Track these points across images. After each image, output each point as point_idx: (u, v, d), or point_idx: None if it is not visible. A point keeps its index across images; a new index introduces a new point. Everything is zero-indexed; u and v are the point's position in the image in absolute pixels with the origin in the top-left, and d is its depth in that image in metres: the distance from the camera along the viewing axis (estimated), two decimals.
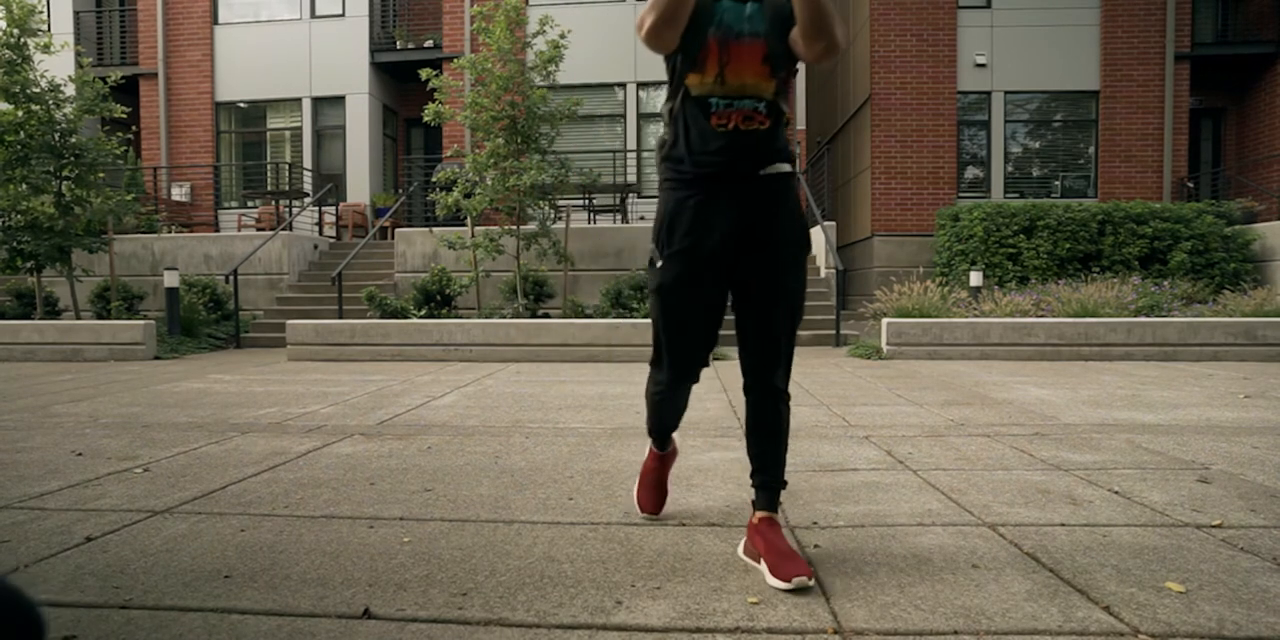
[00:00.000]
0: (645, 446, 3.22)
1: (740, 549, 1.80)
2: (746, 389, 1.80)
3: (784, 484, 1.79)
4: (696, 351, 1.82)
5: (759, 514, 1.75)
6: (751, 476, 1.80)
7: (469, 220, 8.75)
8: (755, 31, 1.62)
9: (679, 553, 1.82)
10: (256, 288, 10.42)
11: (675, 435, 2.15)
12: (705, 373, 6.16)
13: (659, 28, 1.53)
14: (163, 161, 13.40)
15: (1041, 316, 7.33)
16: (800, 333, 8.96)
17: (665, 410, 1.96)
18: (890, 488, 2.40)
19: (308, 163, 13.40)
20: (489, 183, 8.15)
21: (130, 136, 9.26)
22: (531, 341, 7.05)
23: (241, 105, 13.75)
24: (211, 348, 8.61)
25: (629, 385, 5.04)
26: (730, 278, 1.73)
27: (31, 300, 9.21)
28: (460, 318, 7.98)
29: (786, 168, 1.69)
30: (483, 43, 8.25)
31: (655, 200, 12.27)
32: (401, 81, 13.68)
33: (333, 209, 12.85)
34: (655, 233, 1.76)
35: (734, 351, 7.73)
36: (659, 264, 1.74)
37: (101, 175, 8.83)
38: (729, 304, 1.80)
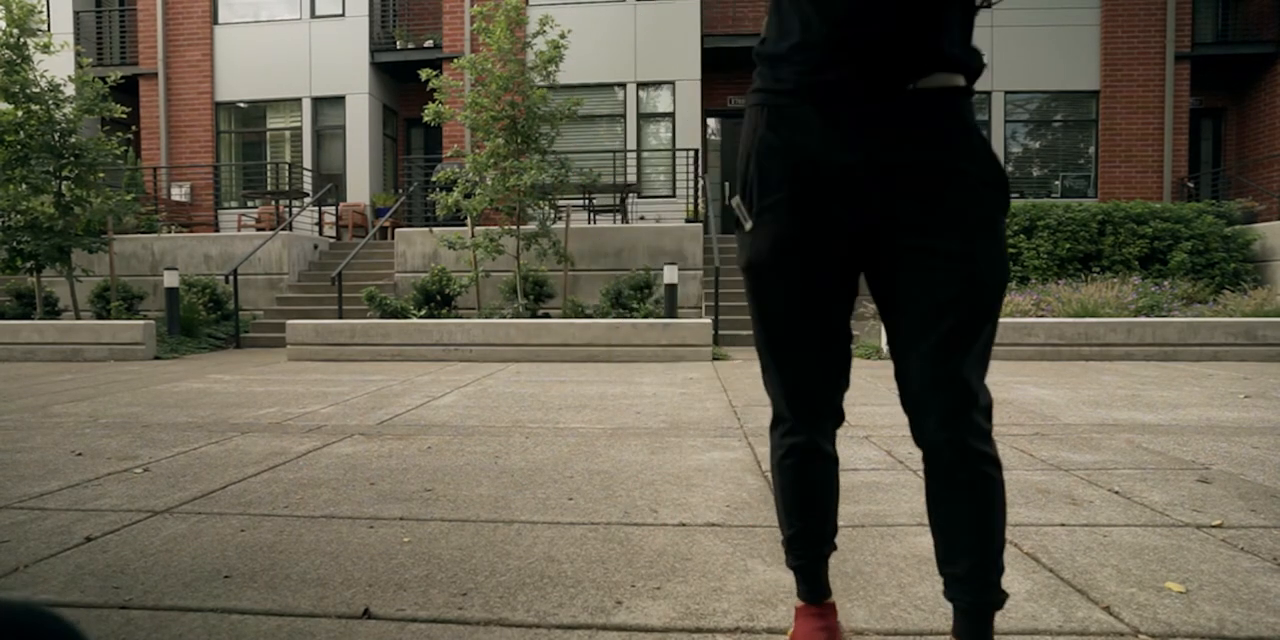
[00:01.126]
0: (645, 446, 3.19)
1: None
2: (917, 439, 1.12)
3: (998, 599, 1.12)
4: (822, 370, 1.17)
5: None
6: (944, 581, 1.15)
7: (469, 220, 8.75)
8: None
9: (679, 553, 1.82)
10: (256, 288, 10.41)
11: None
12: (705, 372, 6.17)
13: None
14: (163, 161, 13.40)
15: (1041, 316, 7.33)
16: None
17: (800, 489, 1.24)
18: (890, 488, 2.40)
19: (308, 163, 13.40)
20: (489, 183, 8.15)
21: (130, 136, 9.25)
22: (531, 341, 7.05)
23: (241, 105, 13.75)
24: (211, 348, 8.61)
25: (629, 385, 5.04)
26: (867, 252, 1.10)
27: (31, 300, 9.21)
28: (460, 318, 7.97)
29: (957, 80, 1.05)
30: (483, 43, 8.25)
31: (655, 200, 12.23)
32: (401, 81, 13.67)
33: (333, 209, 12.85)
34: (739, 180, 1.16)
35: (734, 351, 7.77)
36: (748, 225, 1.15)
37: (101, 175, 8.83)
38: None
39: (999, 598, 1.11)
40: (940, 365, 1.06)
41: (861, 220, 1.07)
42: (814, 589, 1.28)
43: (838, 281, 1.13)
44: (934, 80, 1.04)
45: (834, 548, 1.30)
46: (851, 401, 4.28)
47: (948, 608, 1.48)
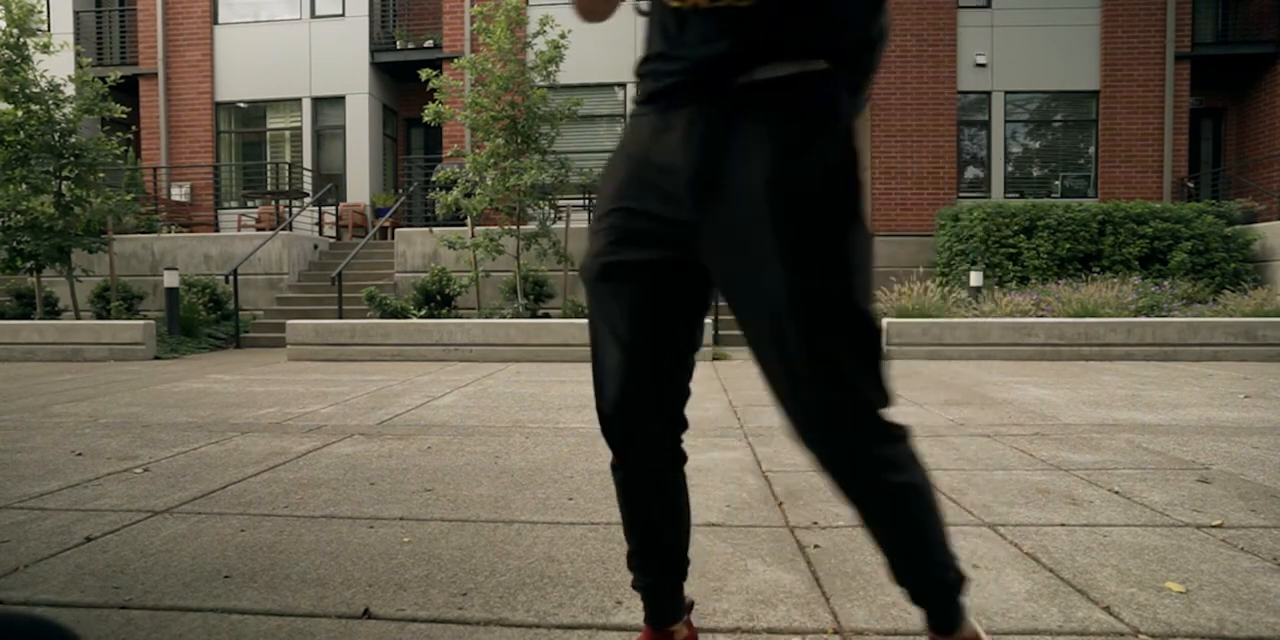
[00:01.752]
0: None
1: None
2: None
3: (952, 586, 1.06)
4: (638, 392, 1.08)
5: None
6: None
7: (469, 220, 8.75)
8: None
9: None
10: (256, 288, 10.41)
11: (689, 589, 1.26)
12: (705, 372, 6.16)
13: None
14: (163, 161, 13.39)
15: (1041, 316, 7.33)
16: None
17: (635, 508, 1.17)
18: None
19: (308, 163, 13.40)
20: (489, 183, 8.15)
21: (130, 136, 9.25)
22: (531, 341, 7.05)
23: (241, 105, 13.75)
24: (211, 348, 8.61)
25: None
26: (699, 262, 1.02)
27: (31, 300, 9.20)
28: (460, 318, 7.97)
29: (786, 70, 0.93)
30: (483, 43, 8.25)
31: None
32: (401, 81, 13.67)
33: (333, 209, 12.85)
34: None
35: (734, 351, 7.76)
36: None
37: (101, 175, 8.83)
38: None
39: (954, 579, 1.05)
40: (798, 380, 0.96)
41: (690, 229, 0.98)
42: (655, 613, 1.19)
43: (676, 290, 1.04)
44: (771, 70, 0.92)
45: (682, 577, 1.19)
46: None
47: None
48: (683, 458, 1.17)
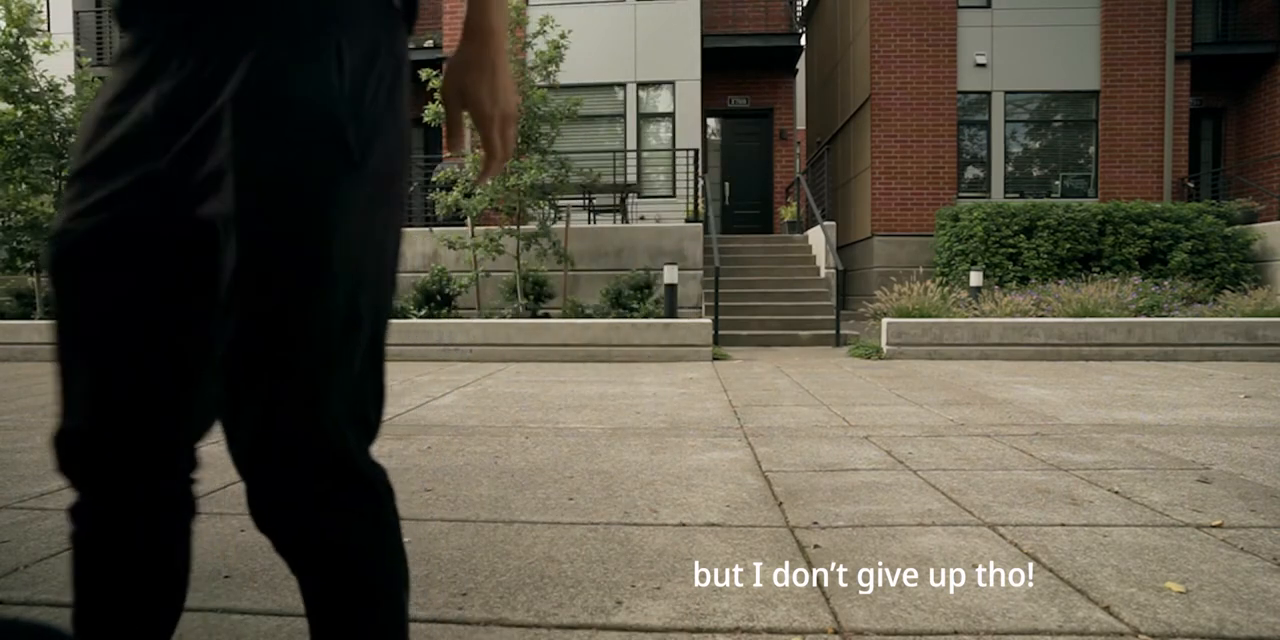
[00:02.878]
0: (645, 446, 3.20)
1: None
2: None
3: None
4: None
5: None
6: None
7: (469, 220, 8.75)
8: None
9: (679, 553, 1.82)
10: None
11: None
12: (705, 372, 6.17)
13: None
14: None
15: (1041, 316, 7.33)
16: (800, 333, 9.00)
17: (91, 578, 0.82)
18: (890, 488, 2.40)
19: None
20: (489, 182, 8.14)
21: None
22: (531, 341, 7.05)
23: None
24: None
25: (629, 385, 5.04)
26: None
27: (31, 300, 9.20)
28: (460, 318, 7.97)
29: None
30: None
31: (655, 200, 12.26)
32: None
33: None
34: None
35: (734, 351, 7.76)
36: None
37: None
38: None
39: None
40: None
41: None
42: None
43: (171, 269, 0.77)
44: None
45: None
46: (851, 401, 4.28)
47: (948, 608, 1.48)
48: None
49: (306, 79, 0.73)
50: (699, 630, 1.41)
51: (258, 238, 0.71)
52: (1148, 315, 7.32)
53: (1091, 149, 11.89)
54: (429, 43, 13.27)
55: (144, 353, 0.79)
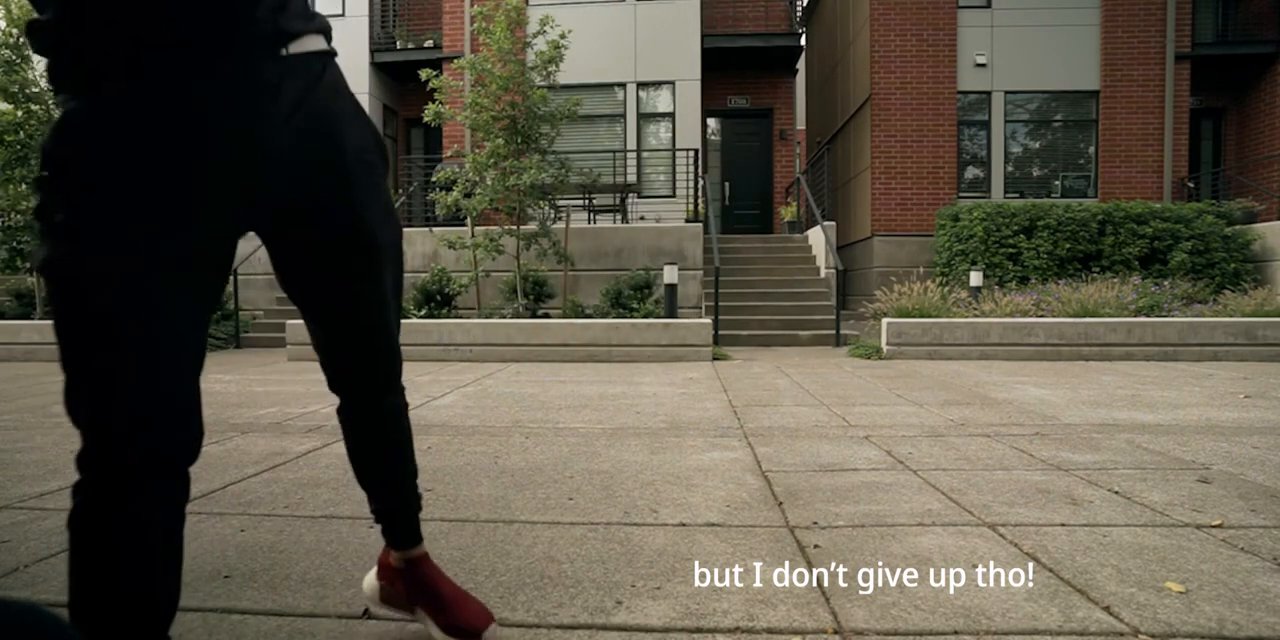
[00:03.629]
0: (644, 446, 3.20)
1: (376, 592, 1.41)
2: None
3: (419, 505, 1.46)
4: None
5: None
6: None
7: (469, 220, 8.75)
8: None
9: (679, 553, 1.82)
10: (256, 288, 10.42)
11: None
12: (705, 372, 6.18)
13: None
14: None
15: (1041, 316, 7.33)
16: (800, 333, 9.00)
17: (123, 560, 0.85)
18: (890, 488, 2.40)
19: None
20: (489, 183, 8.15)
21: None
22: (531, 341, 7.05)
23: None
24: (211, 348, 8.60)
25: (629, 385, 5.04)
26: None
27: (31, 300, 9.21)
28: (460, 318, 7.98)
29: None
30: (483, 43, 8.25)
31: (655, 200, 12.29)
32: (401, 81, 13.67)
33: None
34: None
35: (734, 351, 7.76)
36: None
37: None
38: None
39: (419, 498, 1.49)
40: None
41: None
42: None
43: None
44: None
45: None
46: (851, 401, 4.28)
47: (948, 607, 1.48)
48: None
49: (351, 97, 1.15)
50: (699, 630, 1.41)
51: (356, 224, 1.11)
52: (1148, 315, 7.32)
53: (1091, 149, 11.89)
54: (429, 43, 13.27)
55: (184, 352, 0.89)
